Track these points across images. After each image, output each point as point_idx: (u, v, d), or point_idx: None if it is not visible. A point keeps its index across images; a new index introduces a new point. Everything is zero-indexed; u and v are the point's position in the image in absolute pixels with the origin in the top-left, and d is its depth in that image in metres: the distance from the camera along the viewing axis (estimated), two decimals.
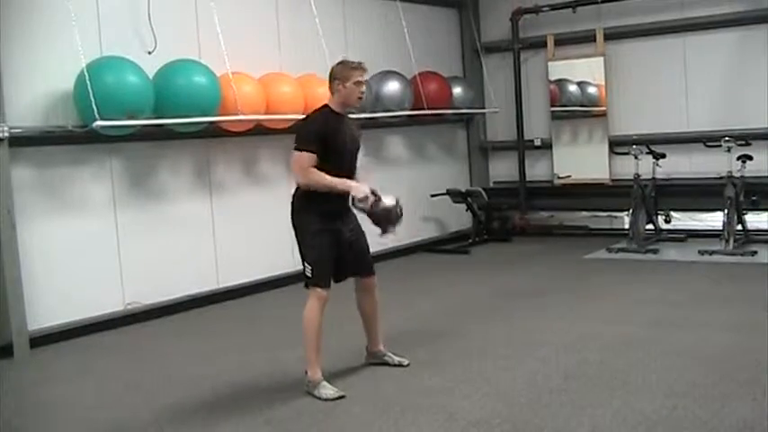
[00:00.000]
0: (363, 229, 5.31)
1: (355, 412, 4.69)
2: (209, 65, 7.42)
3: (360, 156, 5.36)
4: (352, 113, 5.37)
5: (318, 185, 4.99)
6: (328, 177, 4.98)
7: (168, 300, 7.56)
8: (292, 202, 5.23)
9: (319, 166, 4.98)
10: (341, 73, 5.13)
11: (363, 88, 5.17)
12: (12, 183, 6.45)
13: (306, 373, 5.05)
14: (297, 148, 5.03)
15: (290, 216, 5.23)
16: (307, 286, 5.09)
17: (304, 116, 5.29)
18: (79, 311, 6.90)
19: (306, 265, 5.07)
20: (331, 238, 5.09)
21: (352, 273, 5.31)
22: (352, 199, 5.07)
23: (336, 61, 5.29)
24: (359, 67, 5.14)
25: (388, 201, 5.09)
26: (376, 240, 5.39)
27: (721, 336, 5.80)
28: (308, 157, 4.98)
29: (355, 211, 5.18)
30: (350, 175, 5.16)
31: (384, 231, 5.14)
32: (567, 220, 11.31)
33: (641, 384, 4.86)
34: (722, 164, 9.08)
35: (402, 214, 5.17)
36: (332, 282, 5.15)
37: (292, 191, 5.24)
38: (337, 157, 5.06)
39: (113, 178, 7.27)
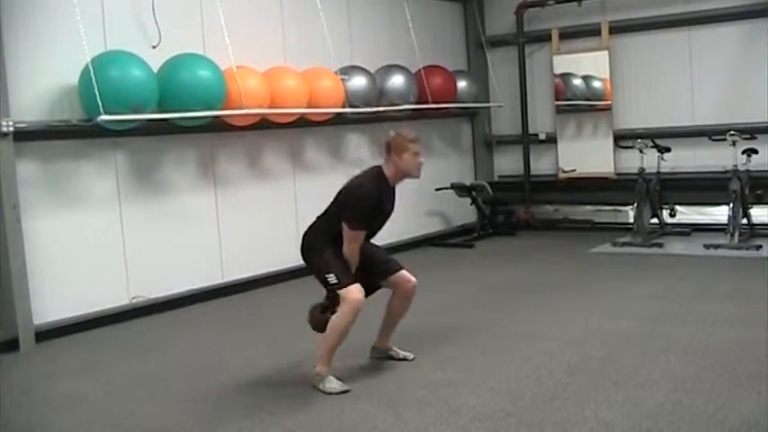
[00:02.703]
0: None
1: (360, 406, 4.70)
2: (214, 59, 7.41)
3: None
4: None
5: (349, 257, 5.05)
6: (356, 258, 5.05)
7: (173, 294, 7.57)
8: (306, 237, 5.20)
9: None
10: (398, 145, 5.11)
11: (421, 159, 5.16)
12: (17, 177, 6.45)
13: (315, 367, 5.05)
14: (351, 225, 4.98)
15: (302, 252, 5.21)
16: (336, 296, 5.00)
17: (358, 177, 5.21)
18: (84, 305, 6.91)
19: (327, 276, 5.00)
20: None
21: (380, 277, 5.27)
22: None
23: (392, 133, 5.26)
24: (415, 140, 5.17)
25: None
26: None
27: (726, 330, 5.80)
28: (360, 235, 5.03)
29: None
30: (371, 236, 5.23)
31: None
32: (571, 214, 11.29)
33: (645, 378, 4.86)
34: (727, 158, 9.06)
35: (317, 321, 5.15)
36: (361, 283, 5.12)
37: (306, 228, 5.24)
38: (369, 223, 5.09)
39: (118, 172, 7.27)
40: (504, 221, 11.29)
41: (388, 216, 5.25)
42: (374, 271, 5.23)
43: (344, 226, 5.00)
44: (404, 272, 5.33)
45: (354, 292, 4.93)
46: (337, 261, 5.02)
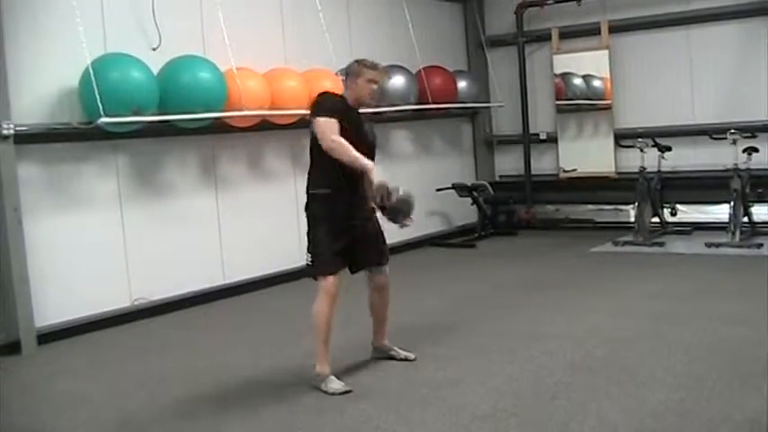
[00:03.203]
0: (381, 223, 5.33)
1: (362, 407, 4.70)
2: (214, 60, 7.42)
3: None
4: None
5: (342, 155, 4.89)
6: (352, 149, 4.90)
7: (175, 295, 7.57)
8: (307, 188, 5.20)
9: (337, 162, 4.96)
10: (355, 69, 5.20)
11: (375, 86, 5.20)
12: (18, 180, 6.46)
13: (315, 367, 5.06)
14: (318, 115, 4.99)
15: (305, 206, 5.20)
16: (314, 278, 5.09)
17: (320, 93, 5.30)
18: (86, 308, 6.91)
19: (307, 254, 5.10)
20: (339, 228, 5.05)
21: (368, 264, 5.30)
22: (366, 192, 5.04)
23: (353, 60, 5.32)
24: (374, 66, 5.20)
25: (401, 192, 4.99)
26: (393, 231, 5.39)
27: (728, 329, 5.79)
28: (332, 123, 4.94)
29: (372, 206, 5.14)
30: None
31: (399, 223, 5.05)
32: (572, 213, 11.30)
33: (647, 377, 4.86)
34: (728, 156, 9.06)
35: (413, 203, 5.08)
36: (344, 271, 5.13)
37: (306, 179, 5.23)
38: (354, 146, 4.97)
39: (119, 174, 7.28)
40: (505, 221, 11.30)
41: (372, 141, 5.22)
42: (368, 255, 5.25)
43: (320, 122, 4.94)
44: (384, 267, 5.36)
45: (328, 280, 5.00)
46: (324, 243, 5.02)
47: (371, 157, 5.10)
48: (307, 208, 5.18)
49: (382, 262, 5.34)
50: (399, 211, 5.01)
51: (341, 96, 5.25)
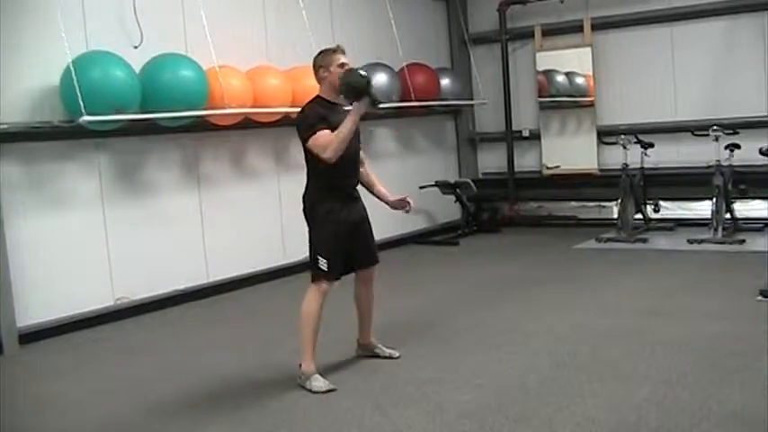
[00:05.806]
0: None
1: (346, 405, 4.69)
2: (196, 59, 7.39)
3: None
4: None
5: (343, 140, 4.92)
6: (341, 130, 4.93)
7: (158, 294, 7.53)
8: (304, 198, 5.20)
9: (323, 165, 4.97)
10: (323, 60, 5.24)
11: (347, 68, 5.20)
12: None
13: (300, 366, 5.05)
14: (309, 133, 4.98)
15: (303, 212, 5.20)
16: (314, 279, 5.07)
17: (300, 109, 5.33)
18: (69, 307, 6.87)
19: (319, 258, 5.04)
20: (345, 229, 5.10)
21: (361, 263, 5.32)
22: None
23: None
24: (338, 50, 5.28)
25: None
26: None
27: (711, 324, 5.82)
28: (323, 135, 4.95)
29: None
30: (355, 167, 5.22)
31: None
32: (555, 210, 11.34)
33: (631, 373, 4.88)
34: (710, 153, 9.10)
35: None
36: (341, 275, 5.18)
37: (303, 190, 5.22)
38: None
39: (101, 173, 7.24)
40: (488, 219, 11.31)
41: (356, 140, 5.16)
42: (360, 257, 5.27)
43: (311, 143, 4.97)
44: (374, 266, 5.40)
45: (326, 283, 5.02)
46: (332, 247, 5.03)
47: (356, 159, 5.21)
48: (307, 212, 5.18)
49: (375, 262, 5.38)
50: (354, 89, 5.05)
51: (318, 99, 5.21)
